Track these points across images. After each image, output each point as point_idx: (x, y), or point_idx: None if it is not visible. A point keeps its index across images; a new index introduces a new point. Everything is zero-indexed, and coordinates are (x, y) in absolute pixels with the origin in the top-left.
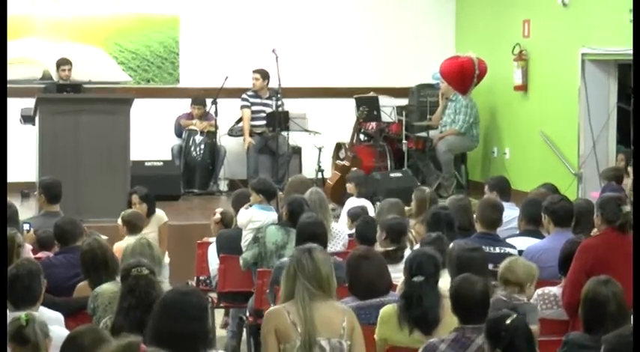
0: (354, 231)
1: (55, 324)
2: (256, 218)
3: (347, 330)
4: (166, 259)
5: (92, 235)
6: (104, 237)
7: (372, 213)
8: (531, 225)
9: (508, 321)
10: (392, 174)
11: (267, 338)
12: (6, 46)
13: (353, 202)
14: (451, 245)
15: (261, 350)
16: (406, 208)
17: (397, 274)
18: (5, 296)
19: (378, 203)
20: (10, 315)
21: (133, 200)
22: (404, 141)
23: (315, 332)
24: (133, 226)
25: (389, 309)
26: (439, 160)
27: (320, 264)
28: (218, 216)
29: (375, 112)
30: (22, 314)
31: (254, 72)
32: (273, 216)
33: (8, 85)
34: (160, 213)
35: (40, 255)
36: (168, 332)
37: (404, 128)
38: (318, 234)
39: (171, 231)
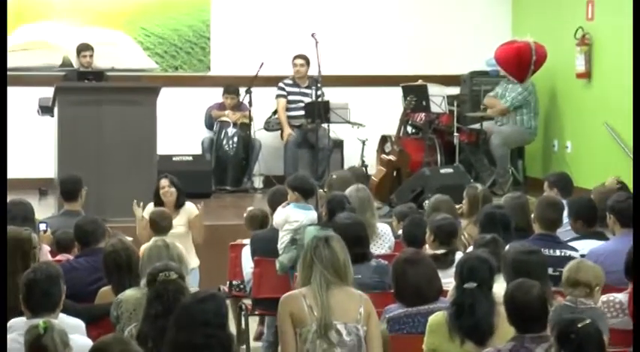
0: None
1: (75, 332)
2: (293, 218)
3: (363, 316)
4: (195, 262)
5: (116, 236)
6: (128, 239)
7: None
8: (587, 225)
9: (580, 325)
10: (442, 170)
11: (284, 323)
12: (6, 46)
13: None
14: (507, 247)
15: (278, 335)
16: (456, 206)
17: (447, 280)
18: (5, 296)
19: (426, 201)
20: (28, 323)
21: (161, 184)
22: (455, 134)
23: (331, 316)
24: (158, 227)
25: (438, 317)
26: (493, 155)
27: (337, 252)
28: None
29: (424, 102)
30: (40, 321)
31: (296, 57)
32: (312, 215)
33: (25, 73)
34: (189, 206)
35: (59, 257)
36: (187, 343)
37: (455, 119)
38: (358, 236)
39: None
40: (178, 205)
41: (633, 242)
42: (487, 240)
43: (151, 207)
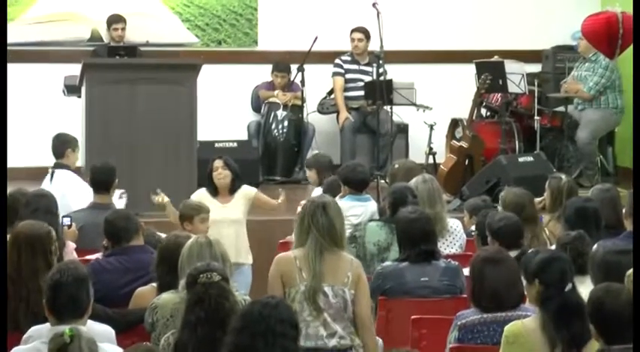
0: (474, 228)
1: (104, 341)
2: (350, 212)
3: (352, 280)
4: (248, 258)
5: (150, 233)
6: (163, 236)
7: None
8: None
9: None
10: (521, 158)
11: (273, 282)
12: (6, 45)
13: (315, 193)
14: (594, 247)
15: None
16: (536, 200)
17: None
18: (5, 295)
19: (501, 194)
20: (52, 330)
21: (215, 165)
22: (536, 117)
23: (320, 282)
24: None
25: (516, 328)
26: (580, 151)
27: (334, 219)
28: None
29: (501, 81)
30: (65, 328)
31: (354, 31)
32: (371, 208)
33: (49, 48)
34: (246, 188)
35: (86, 257)
36: None
37: (536, 101)
38: (424, 232)
39: (249, 227)
40: (233, 189)
41: (633, 242)
42: (572, 236)
43: (202, 192)
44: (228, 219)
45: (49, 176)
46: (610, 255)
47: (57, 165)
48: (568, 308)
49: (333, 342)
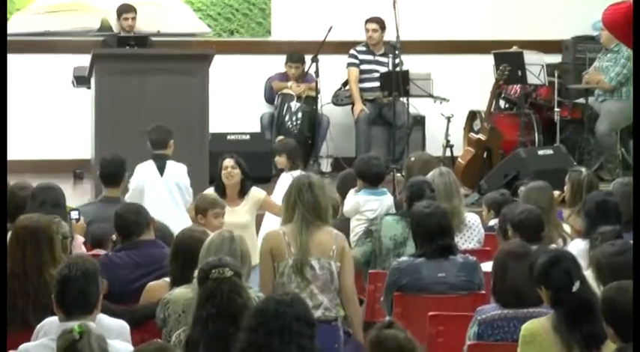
0: (493, 222)
1: (117, 337)
2: (366, 206)
3: (337, 252)
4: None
5: (161, 227)
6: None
7: None
8: None
9: None
10: (540, 151)
11: (264, 257)
12: (6, 45)
13: (286, 179)
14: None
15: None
16: (556, 194)
17: None
18: (5, 295)
19: (522, 188)
20: (61, 326)
21: (225, 164)
22: (556, 109)
23: (307, 255)
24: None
25: (533, 327)
26: (599, 143)
27: (319, 196)
28: None
29: (520, 72)
30: (74, 324)
31: (369, 21)
32: (387, 201)
33: (58, 38)
34: (255, 191)
35: (96, 251)
36: (268, 351)
37: (556, 92)
38: (440, 227)
39: (261, 221)
40: (242, 191)
41: (633, 242)
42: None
43: (209, 192)
44: (236, 223)
45: (152, 166)
46: (613, 257)
47: (161, 156)
48: (579, 309)
49: (317, 313)
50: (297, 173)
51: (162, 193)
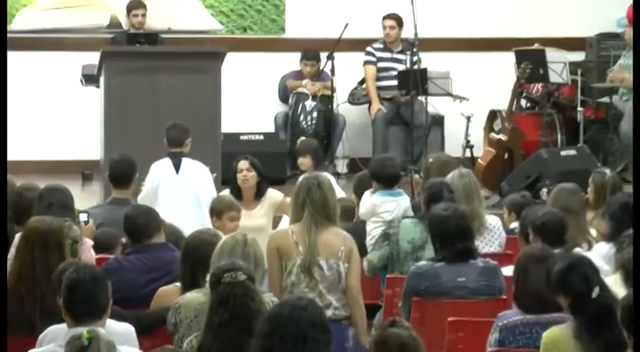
0: (514, 225)
1: (124, 343)
2: (382, 208)
3: (345, 253)
4: None
5: (172, 230)
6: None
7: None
8: None
9: None
10: (563, 152)
11: (271, 256)
12: (6, 45)
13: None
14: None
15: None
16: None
17: None
18: (5, 295)
19: (544, 190)
20: (70, 332)
21: (240, 166)
22: (579, 109)
23: (315, 255)
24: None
25: (553, 334)
26: (624, 144)
27: (328, 195)
28: None
29: (541, 70)
30: (83, 330)
31: (386, 18)
32: (404, 203)
33: (66, 35)
34: (272, 193)
35: (104, 255)
36: None
37: (579, 91)
38: (459, 230)
39: (276, 224)
40: (259, 194)
41: (633, 242)
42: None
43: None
44: (252, 227)
45: (168, 164)
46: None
47: (177, 154)
48: (599, 315)
49: (328, 313)
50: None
51: (178, 192)
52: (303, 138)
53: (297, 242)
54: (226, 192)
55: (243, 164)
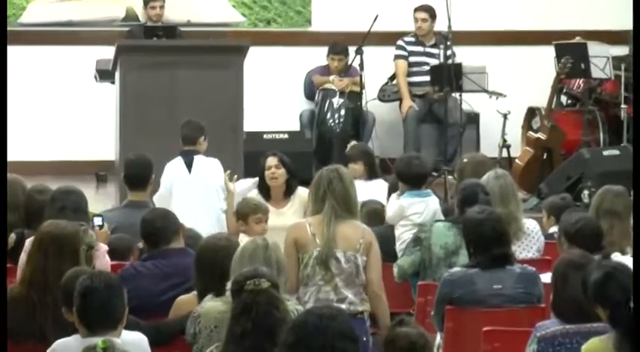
0: (553, 229)
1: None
2: (411, 209)
3: (363, 246)
4: None
5: (192, 235)
6: None
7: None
8: None
9: None
10: (606, 152)
11: (288, 248)
12: (6, 46)
13: (362, 188)
14: None
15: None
16: None
17: None
18: (5, 296)
19: (585, 192)
20: (84, 342)
21: (268, 163)
22: (622, 106)
23: (333, 246)
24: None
25: (593, 346)
26: None
27: (350, 187)
28: None
29: (583, 65)
30: (98, 340)
31: (417, 10)
32: (433, 204)
33: (79, 28)
34: (302, 191)
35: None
36: None
37: (623, 87)
38: (496, 234)
39: None
40: (288, 191)
41: (633, 242)
42: None
43: (253, 195)
44: (283, 226)
45: (180, 163)
46: None
47: (189, 152)
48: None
49: (343, 307)
50: (379, 182)
51: (191, 191)
52: (353, 142)
53: (314, 233)
54: (254, 192)
55: (272, 160)
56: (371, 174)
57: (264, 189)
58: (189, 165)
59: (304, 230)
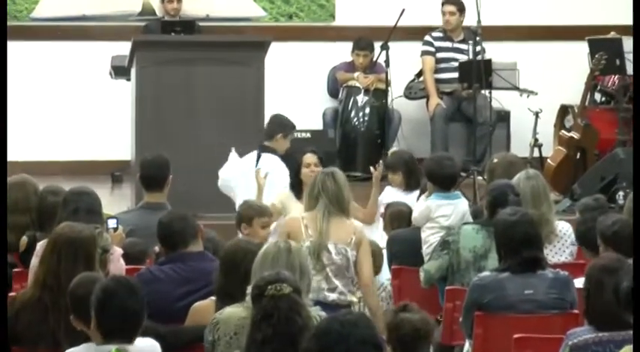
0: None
1: None
2: (438, 212)
3: (354, 242)
4: None
5: (211, 238)
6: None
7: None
8: None
9: None
10: None
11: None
12: (6, 46)
13: (390, 194)
14: None
15: None
16: None
17: None
18: (5, 296)
19: (620, 193)
20: (98, 350)
21: (306, 160)
22: None
23: (326, 238)
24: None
25: None
26: None
27: (342, 187)
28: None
29: (618, 61)
30: (112, 348)
31: (445, 3)
32: (461, 207)
33: (94, 23)
34: None
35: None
36: None
37: None
38: (527, 237)
39: None
40: None
41: (633, 242)
42: None
43: (286, 194)
44: None
45: (252, 157)
46: None
47: (263, 148)
48: None
49: (332, 296)
50: (415, 195)
51: (246, 184)
52: (394, 148)
53: (307, 226)
54: (286, 191)
55: (311, 158)
56: (409, 186)
57: (296, 186)
58: (257, 159)
59: (298, 223)
